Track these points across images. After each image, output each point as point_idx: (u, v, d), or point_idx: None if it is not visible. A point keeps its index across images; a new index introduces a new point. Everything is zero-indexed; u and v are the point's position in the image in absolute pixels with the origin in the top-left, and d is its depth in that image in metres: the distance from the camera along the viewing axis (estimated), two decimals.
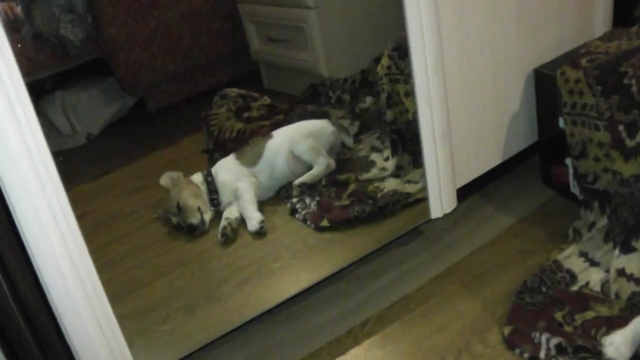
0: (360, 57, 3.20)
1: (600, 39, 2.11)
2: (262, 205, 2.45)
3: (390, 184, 2.38)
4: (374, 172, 2.48)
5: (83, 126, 3.67)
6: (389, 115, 2.42)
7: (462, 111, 2.11)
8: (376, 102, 2.79)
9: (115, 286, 2.18)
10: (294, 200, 2.42)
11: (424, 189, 2.11)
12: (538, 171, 2.30)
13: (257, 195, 2.46)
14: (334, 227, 2.23)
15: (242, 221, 2.39)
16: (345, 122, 2.87)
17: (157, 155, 3.23)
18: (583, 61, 1.96)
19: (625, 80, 1.81)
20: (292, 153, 2.55)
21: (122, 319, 1.69)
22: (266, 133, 2.72)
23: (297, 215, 2.35)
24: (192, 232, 2.38)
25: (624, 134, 1.82)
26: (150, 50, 3.57)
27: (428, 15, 1.88)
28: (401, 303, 1.92)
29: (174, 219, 2.44)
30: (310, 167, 2.53)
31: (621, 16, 2.34)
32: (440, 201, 2.12)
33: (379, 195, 2.31)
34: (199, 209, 2.41)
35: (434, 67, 1.94)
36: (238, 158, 2.57)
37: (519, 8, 2.14)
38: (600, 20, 2.35)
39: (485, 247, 2.06)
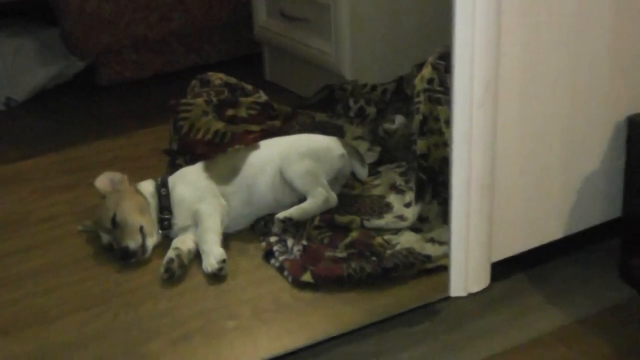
0: (400, 59, 3.25)
1: None
2: (228, 238, 2.50)
3: (407, 240, 2.42)
4: (387, 220, 2.53)
5: (2, 87, 3.72)
6: (420, 146, 2.46)
7: (515, 161, 2.15)
8: (408, 125, 2.83)
9: (2, 317, 2.23)
10: (272, 239, 2.46)
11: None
12: (615, 259, 2.32)
13: (224, 224, 2.50)
14: (318, 284, 2.27)
15: (197, 255, 2.43)
16: (362, 145, 2.92)
17: (99, 146, 3.30)
18: None
19: None
20: (280, 175, 2.59)
21: None
22: (252, 142, 2.77)
23: (273, 261, 2.40)
24: (127, 259, 2.41)
25: None
26: (116, 2, 3.64)
27: (485, 21, 1.92)
28: None
29: (105, 237, 2.48)
30: (302, 199, 2.57)
31: None
32: (466, 276, 2.17)
33: (388, 252, 2.35)
34: (141, 229, 2.44)
35: (482, 97, 1.98)
36: (207, 170, 2.61)
37: (617, 31, 2.17)
38: None
39: (519, 349, 2.07)
